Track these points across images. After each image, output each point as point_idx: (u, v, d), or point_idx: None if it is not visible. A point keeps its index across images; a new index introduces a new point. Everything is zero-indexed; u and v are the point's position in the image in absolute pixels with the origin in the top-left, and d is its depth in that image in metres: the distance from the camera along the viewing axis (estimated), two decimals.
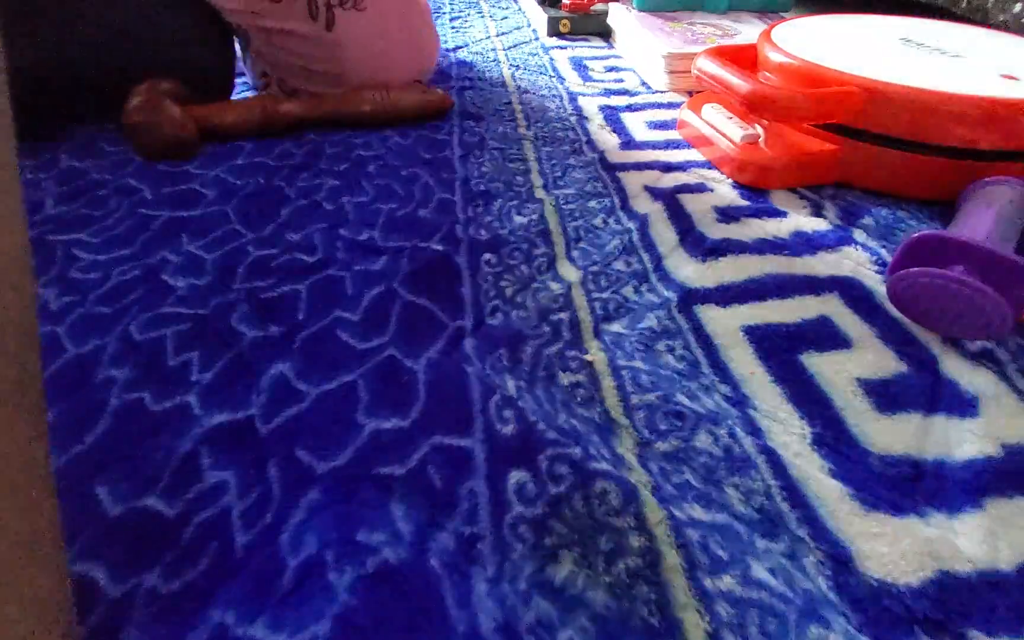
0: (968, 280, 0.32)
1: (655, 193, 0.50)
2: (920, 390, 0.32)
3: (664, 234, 0.45)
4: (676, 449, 0.29)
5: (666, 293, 0.39)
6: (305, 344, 0.35)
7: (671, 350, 0.34)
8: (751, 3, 0.87)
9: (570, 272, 0.41)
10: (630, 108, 0.67)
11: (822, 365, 0.33)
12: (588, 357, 0.34)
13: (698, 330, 0.36)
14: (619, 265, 0.41)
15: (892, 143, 0.48)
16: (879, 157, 0.48)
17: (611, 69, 0.80)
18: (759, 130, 0.52)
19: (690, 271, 0.40)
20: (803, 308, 0.37)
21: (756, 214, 0.47)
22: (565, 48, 0.89)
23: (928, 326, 0.35)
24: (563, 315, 0.37)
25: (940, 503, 0.26)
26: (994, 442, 0.29)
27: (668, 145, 0.58)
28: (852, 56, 0.52)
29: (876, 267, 0.40)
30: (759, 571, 0.24)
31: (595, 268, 0.41)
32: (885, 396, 0.31)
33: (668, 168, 0.54)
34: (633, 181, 0.52)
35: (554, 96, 0.72)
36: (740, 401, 0.31)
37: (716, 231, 0.45)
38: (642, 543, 0.25)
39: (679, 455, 0.28)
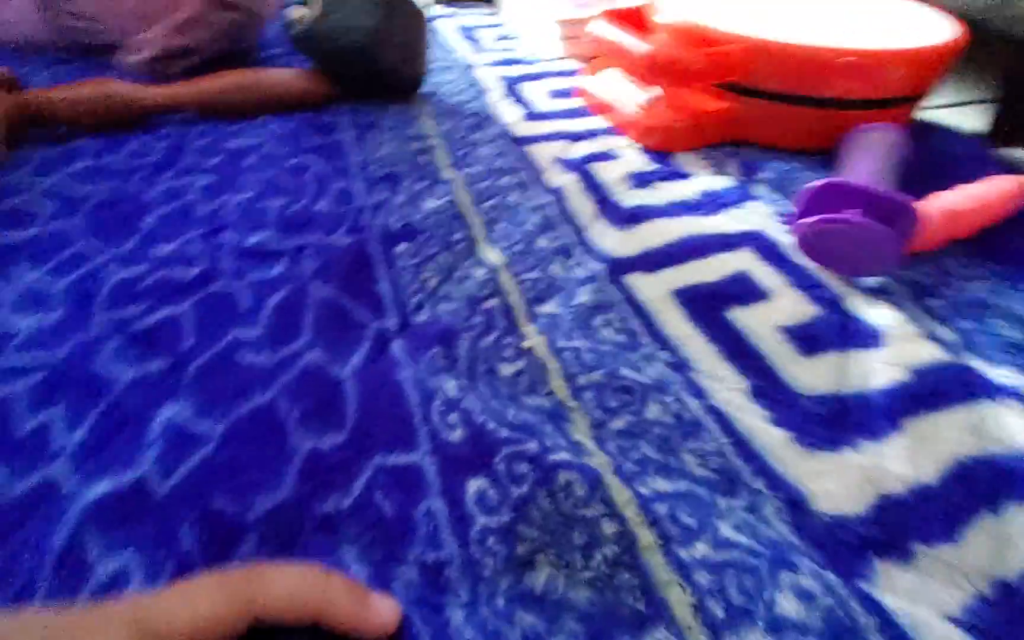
0: (867, 221, 0.35)
1: (566, 164, 0.49)
2: (833, 329, 0.34)
3: (582, 205, 0.44)
4: (630, 425, 0.28)
5: (594, 266, 0.38)
6: (199, 376, 0.30)
7: (608, 323, 0.34)
8: None
9: (493, 255, 0.39)
10: (530, 78, 0.66)
11: (747, 318, 0.34)
12: (527, 343, 0.32)
13: (631, 300, 0.35)
14: (542, 242, 0.40)
15: (780, 98, 0.50)
16: (769, 113, 0.51)
17: (503, 37, 0.77)
18: (659, 93, 0.53)
19: (614, 241, 0.40)
20: (722, 265, 0.38)
21: (665, 178, 0.48)
22: (451, 16, 0.85)
23: (833, 268, 0.38)
24: (493, 301, 0.35)
25: (867, 432, 0.28)
26: (902, 368, 0.31)
27: (572, 114, 0.58)
28: (738, 15, 0.54)
29: (779, 218, 0.43)
30: (727, 531, 0.24)
31: (519, 248, 0.39)
32: (805, 339, 0.33)
33: (576, 137, 0.53)
34: (543, 153, 0.51)
35: (447, 67, 0.68)
36: (681, 365, 0.31)
37: (631, 198, 0.45)
38: (615, 529, 0.24)
39: (633, 430, 0.28)
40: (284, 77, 0.57)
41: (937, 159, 0.49)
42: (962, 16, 0.53)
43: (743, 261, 0.39)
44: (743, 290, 0.36)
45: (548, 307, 0.35)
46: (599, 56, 0.62)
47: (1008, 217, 0.42)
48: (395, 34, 0.56)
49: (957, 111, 0.61)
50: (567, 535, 0.24)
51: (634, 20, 0.59)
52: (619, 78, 0.56)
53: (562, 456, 0.26)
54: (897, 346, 0.32)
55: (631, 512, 0.25)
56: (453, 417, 0.28)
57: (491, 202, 0.44)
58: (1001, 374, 0.31)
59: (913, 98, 0.52)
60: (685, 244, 0.40)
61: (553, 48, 0.71)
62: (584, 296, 0.35)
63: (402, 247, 0.39)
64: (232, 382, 0.29)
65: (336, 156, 0.50)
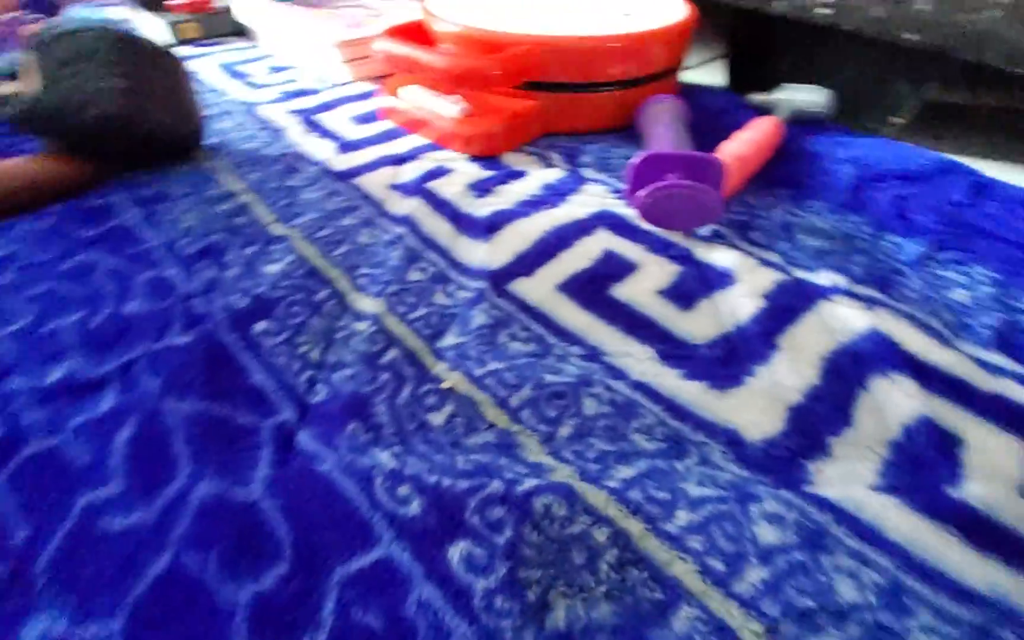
0: (692, 182, 0.40)
1: (404, 189, 0.47)
2: (696, 281, 0.38)
3: (438, 227, 0.43)
4: (576, 428, 0.28)
5: (475, 284, 0.37)
6: (55, 571, 0.22)
7: (514, 337, 0.33)
8: None
9: (369, 303, 0.36)
10: (325, 107, 0.61)
11: (628, 292, 0.37)
12: (446, 384, 0.31)
13: (524, 307, 0.36)
14: (414, 275, 0.38)
15: (573, 88, 0.55)
16: (569, 102, 0.55)
17: (277, 70, 0.71)
18: (465, 103, 0.54)
19: (483, 253, 0.40)
20: (587, 250, 0.41)
21: (503, 180, 0.49)
22: (206, 56, 0.75)
23: (673, 228, 0.43)
24: (392, 353, 0.32)
25: (757, 358, 0.32)
26: (757, 296, 0.36)
27: (387, 137, 0.56)
28: (512, 16, 0.57)
29: (615, 195, 0.47)
30: (694, 490, 0.26)
31: (393, 288, 0.37)
32: (679, 297, 0.37)
33: (400, 160, 0.51)
34: (373, 183, 0.48)
35: (225, 112, 0.61)
36: (594, 354, 0.33)
37: (481, 207, 0.45)
38: (607, 532, 0.24)
39: (581, 431, 0.28)
40: (21, 168, 0.45)
41: (709, 115, 0.58)
42: None
43: (603, 241, 0.41)
44: (615, 267, 0.39)
45: (450, 339, 0.33)
46: (394, 74, 0.61)
47: (775, 151, 0.51)
48: (148, 89, 0.47)
49: (704, 70, 0.74)
50: (568, 559, 0.23)
51: (415, 34, 0.59)
52: (422, 93, 0.55)
53: (530, 483, 0.26)
54: (747, 279, 0.38)
55: (613, 510, 0.25)
56: (403, 490, 0.25)
57: (342, 248, 0.41)
58: (822, 277, 0.38)
59: (674, 69, 0.60)
60: (548, 239, 0.41)
61: (337, 73, 0.68)
62: (480, 317, 0.35)
63: (261, 326, 0.34)
64: (107, 562, 0.23)
65: (126, 243, 0.41)
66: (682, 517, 0.25)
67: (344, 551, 0.23)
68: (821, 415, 0.29)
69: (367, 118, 0.59)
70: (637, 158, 0.43)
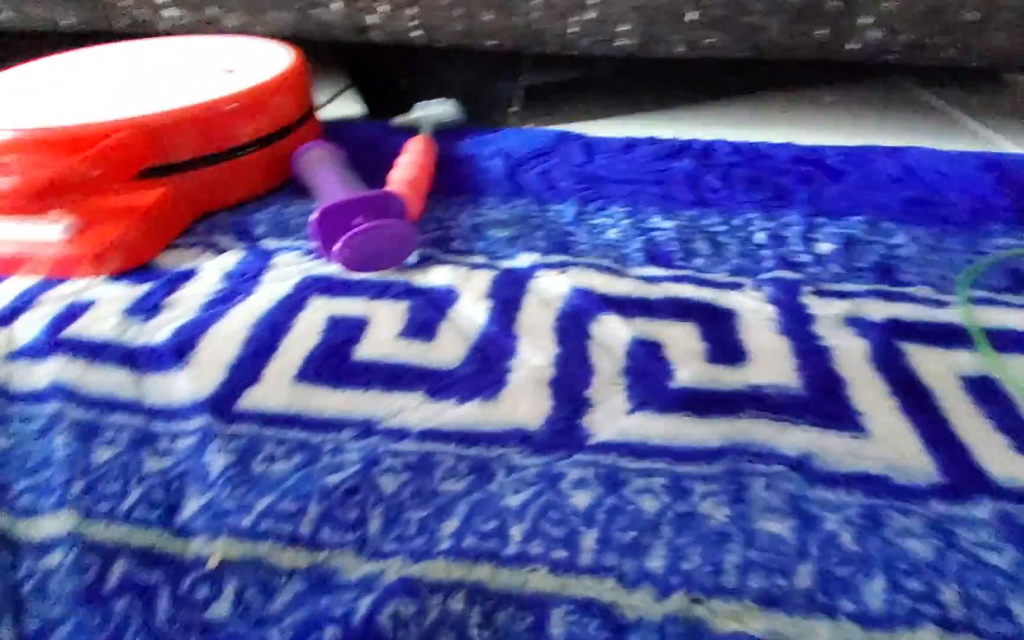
0: (383, 221, 0.40)
1: (31, 352, 0.35)
2: (429, 308, 0.39)
3: (108, 379, 0.33)
4: (384, 514, 0.26)
5: (195, 423, 0.30)
6: None
7: (271, 458, 0.29)
8: None
9: (52, 523, 0.26)
10: None
11: (370, 350, 0.35)
12: (212, 561, 0.24)
13: (267, 419, 0.31)
14: (103, 454, 0.29)
15: (204, 161, 0.48)
16: (210, 177, 0.49)
17: None
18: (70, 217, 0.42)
19: (185, 384, 0.33)
20: (310, 325, 0.37)
21: (170, 289, 0.40)
22: None
23: (379, 268, 0.42)
24: (118, 568, 0.24)
25: (506, 355, 0.35)
26: (482, 299, 0.39)
27: None
28: (87, 104, 0.47)
29: (309, 257, 0.44)
30: (513, 500, 0.27)
31: (78, 487, 0.27)
32: (420, 330, 0.37)
33: (10, 316, 0.38)
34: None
35: None
36: (367, 429, 0.30)
37: (156, 331, 0.37)
38: (462, 597, 0.23)
39: (392, 514, 0.26)
40: None
41: (363, 147, 0.58)
42: (291, 38, 0.62)
43: (322, 309, 0.38)
44: (346, 330, 0.37)
45: (192, 505, 0.27)
46: None
47: (436, 164, 0.55)
48: None
49: (338, 104, 0.74)
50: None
51: None
52: None
53: (364, 604, 0.23)
54: (467, 287, 0.40)
55: (456, 571, 0.24)
56: None
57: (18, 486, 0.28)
58: (521, 260, 0.43)
59: (309, 112, 0.59)
60: (260, 333, 0.36)
61: None
62: (220, 459, 0.29)
63: None
64: None
65: None
66: (515, 533, 0.25)
67: None
68: (572, 375, 0.33)
69: None
70: (315, 213, 0.41)
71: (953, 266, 0.41)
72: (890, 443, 0.29)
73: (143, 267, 0.43)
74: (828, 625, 0.22)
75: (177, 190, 0.47)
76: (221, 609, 0.23)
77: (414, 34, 0.60)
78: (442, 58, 0.67)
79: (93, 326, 0.37)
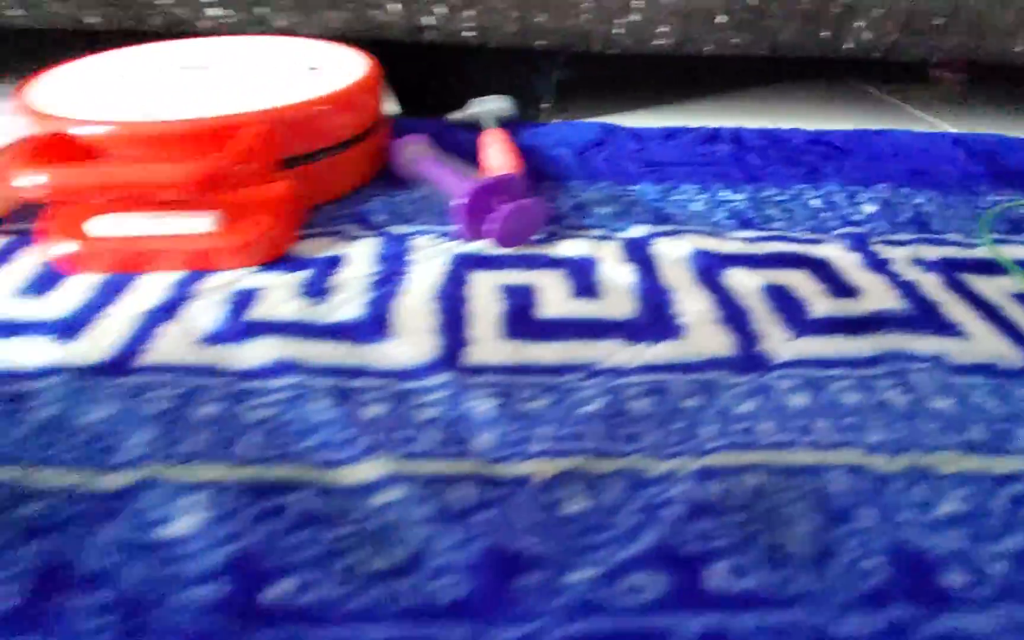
0: (532, 200, 0.44)
1: (221, 338, 0.36)
2: (580, 275, 0.43)
3: (326, 351, 0.35)
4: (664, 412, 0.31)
5: (441, 378, 0.33)
6: None
7: (529, 397, 0.32)
8: None
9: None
10: None
11: (551, 310, 0.39)
12: (537, 479, 0.28)
13: (496, 369, 0.34)
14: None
15: (319, 155, 0.50)
16: (319, 171, 0.50)
17: None
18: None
19: (406, 350, 0.35)
20: (486, 293, 0.40)
21: (326, 273, 0.42)
22: None
23: (516, 244, 0.46)
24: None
25: (668, 306, 0.41)
26: (623, 264, 0.44)
27: (111, 291, 0.39)
28: (202, 98, 0.47)
29: (444, 238, 0.46)
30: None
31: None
32: (584, 292, 0.41)
33: (167, 311, 0.38)
34: (177, 353, 0.35)
35: None
36: (586, 369, 0.35)
37: (341, 309, 0.38)
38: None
39: (660, 427, 0.31)
40: None
41: (441, 143, 0.61)
42: (340, 38, 0.63)
43: (486, 281, 0.42)
44: (522, 296, 0.40)
45: (488, 439, 0.30)
46: (57, 208, 0.43)
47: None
48: None
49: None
50: None
51: (54, 150, 0.43)
52: (138, 218, 0.41)
53: (680, 490, 0.27)
54: (603, 255, 0.45)
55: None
56: None
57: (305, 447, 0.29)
58: (636, 231, 0.48)
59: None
60: (447, 306, 0.39)
61: None
62: (487, 403, 0.32)
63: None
64: None
65: None
66: (764, 427, 0.31)
67: None
68: (733, 316, 0.39)
69: (44, 283, 0.40)
70: (463, 197, 0.44)
71: (966, 217, 0.52)
72: (988, 342, 0.38)
73: (283, 257, 0.44)
74: (1003, 460, 0.30)
75: (298, 183, 0.48)
76: (572, 508, 0.27)
77: (468, 35, 0.64)
78: (481, 58, 0.71)
79: (276, 309, 0.39)
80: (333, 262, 0.44)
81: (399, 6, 0.62)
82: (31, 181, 0.38)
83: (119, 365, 0.34)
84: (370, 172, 0.55)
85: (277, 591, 0.23)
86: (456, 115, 0.66)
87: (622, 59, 0.71)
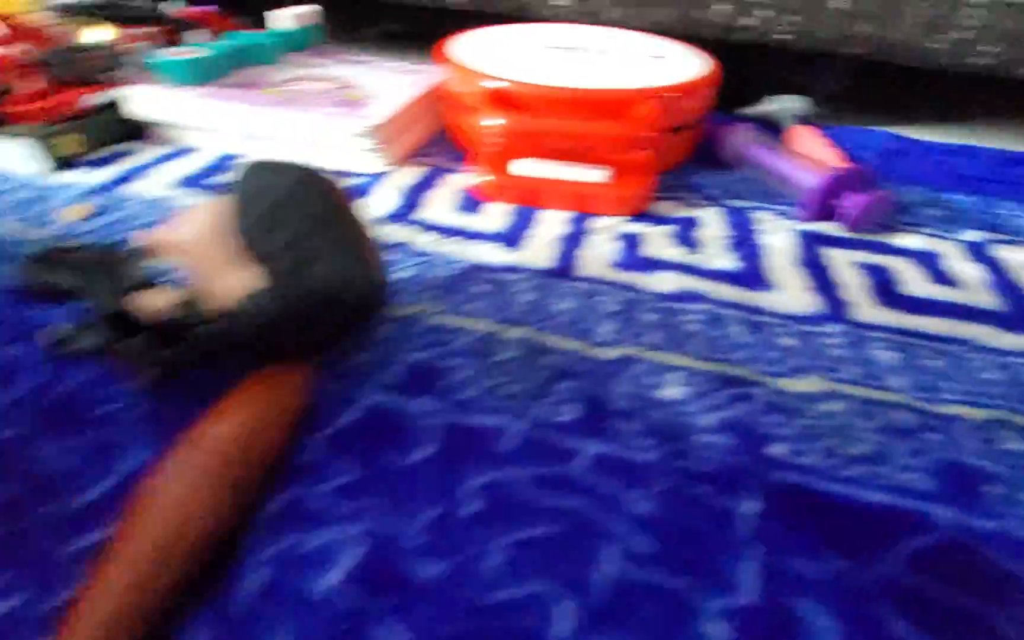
0: (884, 191, 0.49)
1: (628, 266, 0.44)
2: (924, 264, 0.47)
3: (734, 293, 0.42)
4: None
5: (829, 328, 0.39)
6: None
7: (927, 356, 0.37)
8: (295, 44, 0.73)
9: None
10: (408, 208, 0.51)
11: (915, 289, 0.44)
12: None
13: (871, 328, 0.39)
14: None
15: (676, 130, 0.57)
16: (668, 145, 0.58)
17: None
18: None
19: (784, 299, 0.41)
20: (843, 267, 0.45)
21: (688, 230, 0.49)
22: (136, 178, 0.53)
23: (862, 230, 0.50)
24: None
25: None
26: (967, 262, 0.47)
27: (525, 218, 0.50)
28: (598, 70, 0.57)
29: (787, 218, 0.52)
30: None
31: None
32: (938, 278, 0.45)
33: (573, 240, 0.47)
34: (596, 269, 0.44)
35: None
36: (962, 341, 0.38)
37: (714, 260, 0.45)
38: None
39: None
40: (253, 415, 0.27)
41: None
42: (664, 33, 0.71)
43: (840, 258, 0.47)
44: (879, 274, 0.45)
45: (899, 380, 0.35)
46: (489, 149, 0.54)
47: None
48: (359, 245, 0.33)
49: None
50: None
51: (508, 101, 0.53)
52: (548, 163, 0.51)
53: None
54: (946, 252, 0.48)
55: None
56: None
57: (696, 339, 0.37)
58: (971, 235, 0.50)
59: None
60: (813, 273, 0.45)
61: (363, 163, 0.56)
62: (888, 354, 0.37)
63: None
64: None
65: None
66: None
67: None
68: None
69: (467, 204, 0.52)
70: (822, 180, 0.49)
71: None
72: None
73: (645, 213, 0.52)
74: None
75: (655, 153, 0.56)
76: (1007, 445, 0.31)
77: (784, 36, 0.69)
78: (757, 56, 0.75)
79: (663, 251, 0.46)
80: (690, 222, 0.51)
81: (728, 7, 0.68)
82: (494, 123, 0.49)
83: (564, 272, 0.43)
84: (692, 152, 0.62)
85: (777, 450, 0.30)
86: (749, 110, 0.71)
87: (882, 71, 0.72)
